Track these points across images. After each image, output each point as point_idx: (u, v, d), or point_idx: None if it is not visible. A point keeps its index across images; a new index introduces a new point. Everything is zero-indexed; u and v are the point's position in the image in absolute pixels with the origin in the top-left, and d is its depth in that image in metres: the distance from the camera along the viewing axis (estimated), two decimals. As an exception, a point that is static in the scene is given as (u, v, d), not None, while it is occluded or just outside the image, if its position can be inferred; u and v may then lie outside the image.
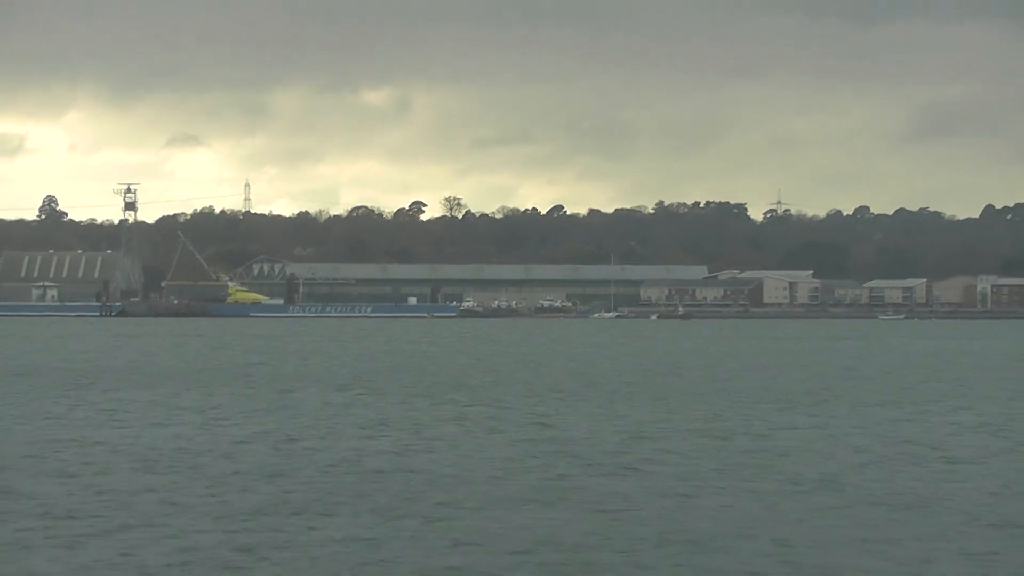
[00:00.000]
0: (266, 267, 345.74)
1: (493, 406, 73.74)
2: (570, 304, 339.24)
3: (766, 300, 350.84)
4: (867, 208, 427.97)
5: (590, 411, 70.08)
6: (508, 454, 49.98)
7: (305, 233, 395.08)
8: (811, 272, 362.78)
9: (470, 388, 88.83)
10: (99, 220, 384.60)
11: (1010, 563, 30.67)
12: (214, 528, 37.82)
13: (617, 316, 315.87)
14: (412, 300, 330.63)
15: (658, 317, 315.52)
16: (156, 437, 55.79)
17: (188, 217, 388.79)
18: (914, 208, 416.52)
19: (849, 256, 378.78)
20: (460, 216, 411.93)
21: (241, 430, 60.63)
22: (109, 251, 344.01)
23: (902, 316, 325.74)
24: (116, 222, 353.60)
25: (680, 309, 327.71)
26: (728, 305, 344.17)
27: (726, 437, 56.67)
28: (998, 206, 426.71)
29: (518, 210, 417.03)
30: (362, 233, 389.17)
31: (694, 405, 72.10)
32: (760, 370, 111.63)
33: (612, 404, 74.23)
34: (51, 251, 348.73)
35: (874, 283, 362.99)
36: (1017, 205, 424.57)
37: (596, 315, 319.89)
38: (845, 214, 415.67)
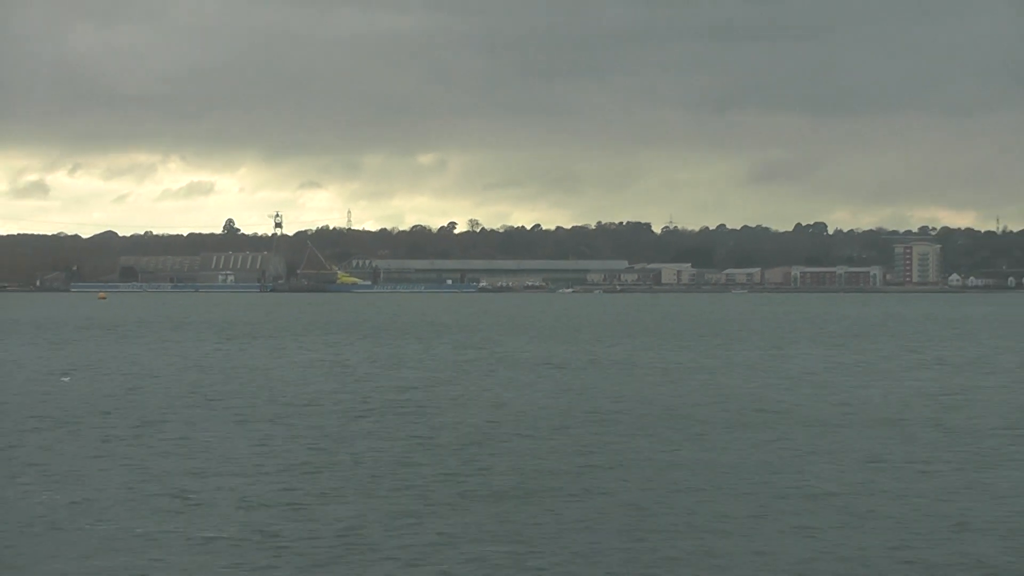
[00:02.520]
0: (360, 262, 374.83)
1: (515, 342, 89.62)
2: (544, 284, 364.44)
3: (664, 281, 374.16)
4: (724, 225, 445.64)
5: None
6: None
7: (383, 241, 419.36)
8: (690, 264, 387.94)
9: (524, 329, 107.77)
10: (259, 233, 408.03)
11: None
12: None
13: (572, 292, 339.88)
14: (449, 282, 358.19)
15: (601, 292, 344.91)
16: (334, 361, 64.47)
17: (313, 232, 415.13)
18: (753, 224, 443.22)
19: (713, 254, 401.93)
20: (478, 230, 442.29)
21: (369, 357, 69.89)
22: (265, 252, 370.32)
23: (745, 291, 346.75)
24: (269, 235, 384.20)
25: (618, 287, 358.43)
26: (640, 285, 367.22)
27: (630, 362, 64.64)
28: (804, 223, 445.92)
29: (512, 227, 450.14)
30: (418, 241, 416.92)
31: (638, 340, 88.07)
32: (662, 319, 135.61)
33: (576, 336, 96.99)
34: (230, 252, 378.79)
35: (728, 271, 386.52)
36: (816, 223, 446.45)
37: (560, 291, 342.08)
38: (711, 228, 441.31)
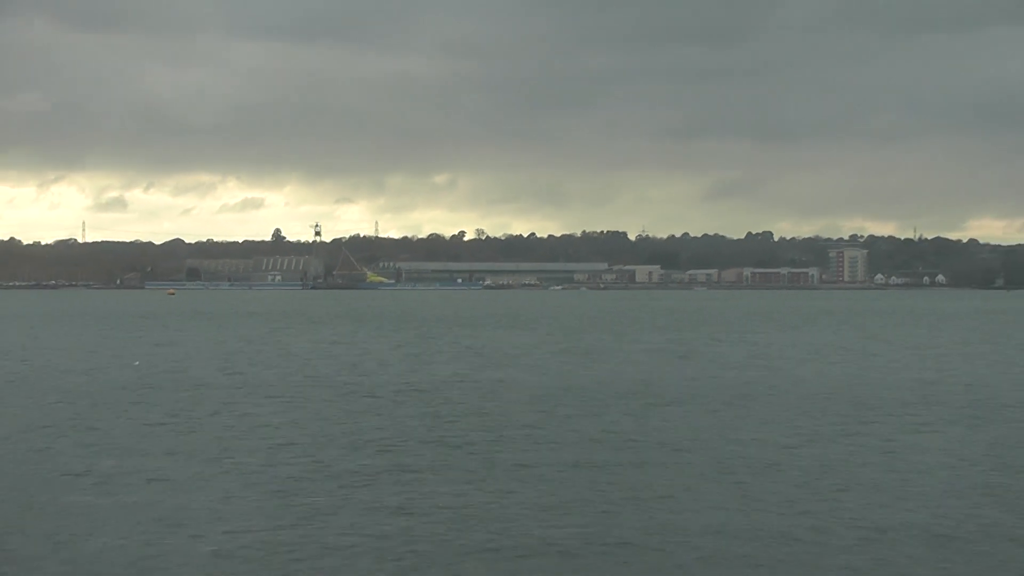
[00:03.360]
0: (385, 264, 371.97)
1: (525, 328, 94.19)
2: (538, 283, 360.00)
3: (637, 280, 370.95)
4: (687, 233, 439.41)
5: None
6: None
7: (405, 247, 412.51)
8: (659, 265, 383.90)
9: (524, 318, 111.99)
10: (302, 240, 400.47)
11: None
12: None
13: (562, 289, 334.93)
14: (459, 281, 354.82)
15: (585, 288, 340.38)
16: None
17: (346, 239, 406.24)
18: (711, 233, 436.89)
19: (678, 258, 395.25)
20: (483, 238, 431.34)
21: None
22: (307, 256, 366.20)
23: (705, 288, 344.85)
24: (310, 241, 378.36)
25: (606, 280, 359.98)
26: (617, 283, 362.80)
27: (586, 351, 61.72)
28: (753, 232, 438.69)
29: (512, 235, 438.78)
30: (433, 246, 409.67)
31: (622, 329, 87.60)
32: (636, 312, 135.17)
33: (566, 328, 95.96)
34: (277, 256, 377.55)
35: (691, 272, 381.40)
36: (764, 232, 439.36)
37: (551, 288, 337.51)
38: (676, 236, 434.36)
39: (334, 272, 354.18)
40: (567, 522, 18.55)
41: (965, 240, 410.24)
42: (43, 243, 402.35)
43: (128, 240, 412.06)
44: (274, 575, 15.70)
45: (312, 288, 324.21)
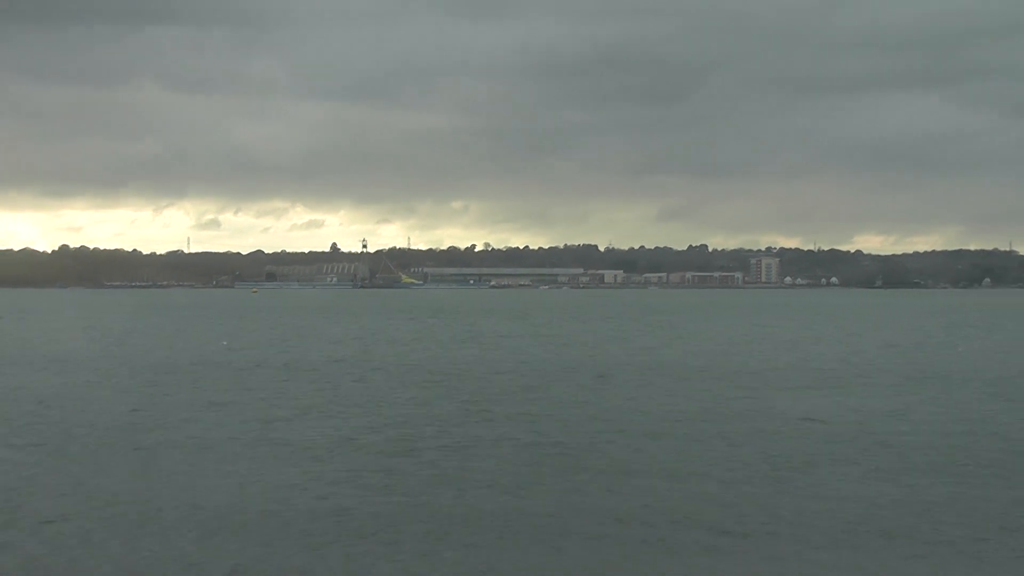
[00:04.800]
0: (415, 269, 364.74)
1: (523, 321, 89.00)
2: (530, 283, 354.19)
3: (606, 282, 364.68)
4: (644, 245, 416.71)
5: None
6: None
7: (430, 256, 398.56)
8: (622, 270, 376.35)
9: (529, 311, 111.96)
10: (352, 251, 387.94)
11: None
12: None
13: (548, 288, 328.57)
14: (471, 282, 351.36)
15: (567, 288, 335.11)
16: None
17: (386, 250, 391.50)
18: (661, 246, 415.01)
19: (636, 264, 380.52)
20: (490, 249, 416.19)
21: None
22: (356, 263, 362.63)
23: (657, 288, 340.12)
24: (359, 252, 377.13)
25: (583, 281, 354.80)
26: (591, 284, 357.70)
27: (561, 337, 63.23)
28: (693, 245, 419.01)
29: (511, 247, 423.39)
30: (452, 256, 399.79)
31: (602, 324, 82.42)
32: (611, 306, 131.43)
33: (558, 317, 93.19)
34: (334, 263, 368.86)
35: (646, 275, 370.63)
36: (701, 244, 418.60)
37: (540, 288, 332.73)
38: (635, 248, 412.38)
39: (376, 275, 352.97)
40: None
41: (853, 251, 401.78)
42: (157, 253, 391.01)
43: (221, 251, 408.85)
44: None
45: (360, 287, 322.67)
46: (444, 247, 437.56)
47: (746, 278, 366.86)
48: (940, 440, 21.20)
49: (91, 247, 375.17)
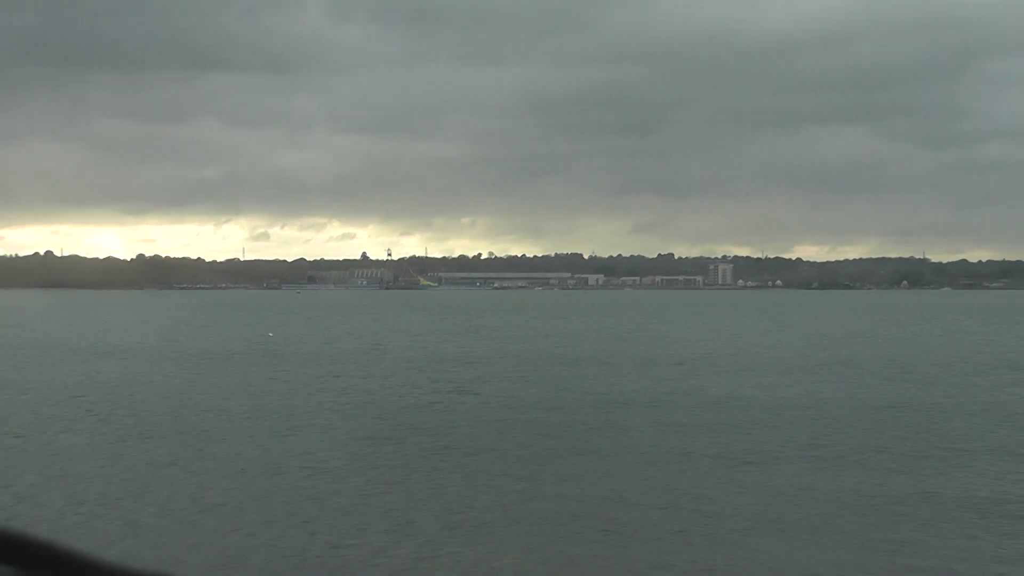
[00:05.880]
0: (432, 274, 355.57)
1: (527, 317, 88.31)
2: (526, 286, 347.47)
3: (590, 284, 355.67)
4: (621, 254, 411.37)
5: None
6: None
7: (444, 263, 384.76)
8: (603, 274, 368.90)
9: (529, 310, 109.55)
10: (380, 259, 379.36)
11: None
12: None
13: (542, 290, 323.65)
14: (478, 284, 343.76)
15: (558, 290, 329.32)
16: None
17: (407, 258, 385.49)
18: (636, 254, 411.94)
19: (615, 270, 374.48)
20: (493, 257, 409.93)
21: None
22: (382, 269, 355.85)
23: (632, 289, 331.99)
24: (385, 259, 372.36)
25: (570, 284, 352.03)
26: (578, 287, 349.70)
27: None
28: (662, 253, 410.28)
29: (511, 255, 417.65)
30: (462, 263, 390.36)
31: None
32: (603, 306, 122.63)
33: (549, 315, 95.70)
34: (364, 268, 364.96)
35: (623, 278, 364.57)
36: (668, 253, 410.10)
37: (535, 289, 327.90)
38: (614, 256, 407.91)
39: (399, 279, 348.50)
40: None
41: (794, 258, 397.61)
42: (217, 260, 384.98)
43: (271, 259, 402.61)
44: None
45: (385, 289, 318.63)
46: (455, 255, 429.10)
47: (705, 281, 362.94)
48: (828, 405, 22.09)
49: (163, 255, 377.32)
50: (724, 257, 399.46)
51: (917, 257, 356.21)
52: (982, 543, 11.54)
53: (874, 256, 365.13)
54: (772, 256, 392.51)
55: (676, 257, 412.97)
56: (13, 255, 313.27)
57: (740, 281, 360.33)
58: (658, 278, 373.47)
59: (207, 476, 15.46)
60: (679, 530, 12.08)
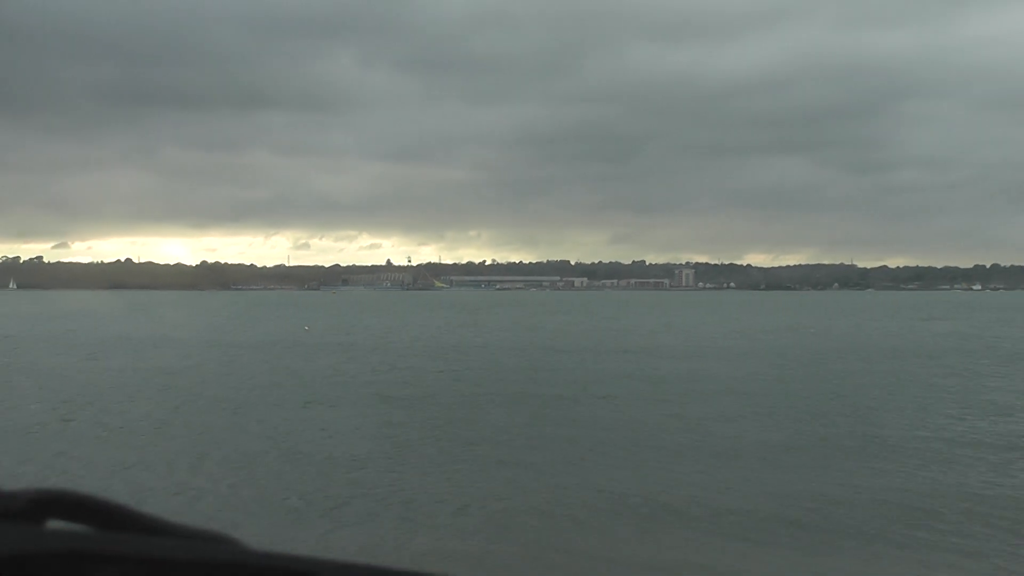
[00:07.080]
0: (444, 277, 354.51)
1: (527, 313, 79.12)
2: (523, 287, 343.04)
3: (575, 286, 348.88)
4: (602, 261, 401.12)
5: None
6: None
7: (454, 268, 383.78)
8: (587, 278, 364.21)
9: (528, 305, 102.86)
10: (401, 264, 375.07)
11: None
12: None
13: (537, 290, 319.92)
14: (483, 286, 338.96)
15: (550, 290, 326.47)
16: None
17: (424, 264, 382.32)
18: (614, 260, 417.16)
19: (597, 273, 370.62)
20: (495, 263, 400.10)
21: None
22: (403, 273, 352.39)
23: (611, 291, 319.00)
24: (406, 265, 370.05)
25: (559, 285, 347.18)
26: (565, 288, 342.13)
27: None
28: (635, 260, 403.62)
29: (511, 261, 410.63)
30: (470, 268, 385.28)
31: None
32: (584, 304, 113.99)
33: (547, 311, 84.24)
34: (388, 272, 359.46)
35: (603, 281, 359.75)
36: (640, 259, 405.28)
37: (530, 290, 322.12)
38: (596, 262, 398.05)
39: (417, 281, 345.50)
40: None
41: (745, 264, 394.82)
42: (267, 266, 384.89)
43: (311, 265, 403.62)
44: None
45: (405, 290, 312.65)
46: (464, 262, 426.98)
47: (671, 283, 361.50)
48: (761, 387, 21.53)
49: (222, 262, 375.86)
50: (687, 263, 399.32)
51: (847, 263, 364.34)
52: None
53: (811, 262, 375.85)
54: (727, 262, 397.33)
55: (647, 263, 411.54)
56: (99, 262, 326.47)
57: (700, 283, 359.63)
58: (632, 281, 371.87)
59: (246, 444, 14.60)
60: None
